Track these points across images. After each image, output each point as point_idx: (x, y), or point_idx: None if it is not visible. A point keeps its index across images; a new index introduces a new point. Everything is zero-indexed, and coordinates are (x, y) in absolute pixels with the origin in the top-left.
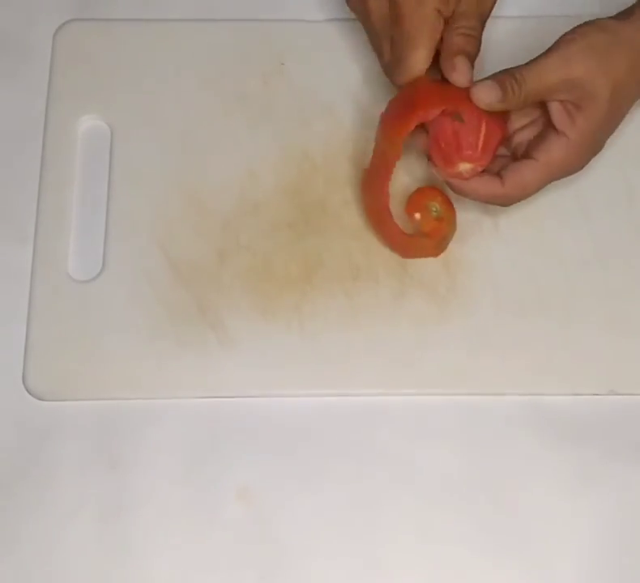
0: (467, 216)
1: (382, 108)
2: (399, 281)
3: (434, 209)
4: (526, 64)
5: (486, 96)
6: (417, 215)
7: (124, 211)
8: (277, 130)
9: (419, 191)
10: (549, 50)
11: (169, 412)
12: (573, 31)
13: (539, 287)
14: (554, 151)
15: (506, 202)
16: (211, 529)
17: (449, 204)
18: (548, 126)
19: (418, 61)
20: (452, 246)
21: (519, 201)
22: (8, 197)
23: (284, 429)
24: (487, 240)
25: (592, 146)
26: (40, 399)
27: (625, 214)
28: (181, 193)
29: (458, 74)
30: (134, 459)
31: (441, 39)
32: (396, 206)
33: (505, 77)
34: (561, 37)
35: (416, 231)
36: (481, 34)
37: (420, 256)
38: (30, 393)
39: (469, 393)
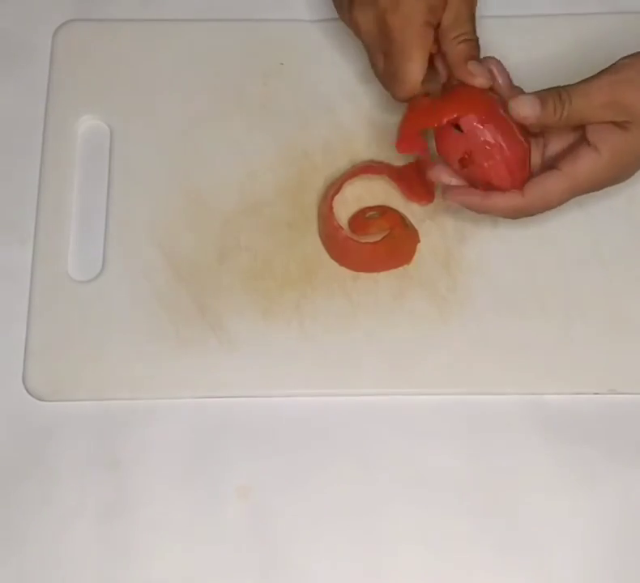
0: (466, 216)
1: (382, 107)
2: (399, 281)
3: (370, 215)
4: (575, 83)
5: (524, 110)
6: (365, 229)
7: (124, 211)
8: (277, 130)
9: (351, 218)
10: (602, 72)
11: (169, 412)
12: (634, 55)
13: (539, 286)
14: (580, 163)
15: (527, 213)
16: (212, 529)
17: (378, 207)
18: (581, 139)
19: (413, 72)
20: (452, 246)
21: (541, 212)
22: (8, 197)
23: (284, 429)
24: (487, 239)
25: (622, 167)
26: (40, 399)
27: (625, 214)
28: (181, 193)
29: (480, 77)
30: (134, 459)
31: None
32: None
33: (548, 94)
34: (618, 60)
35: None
36: (476, 35)
37: (408, 249)
38: (30, 394)
39: (469, 392)
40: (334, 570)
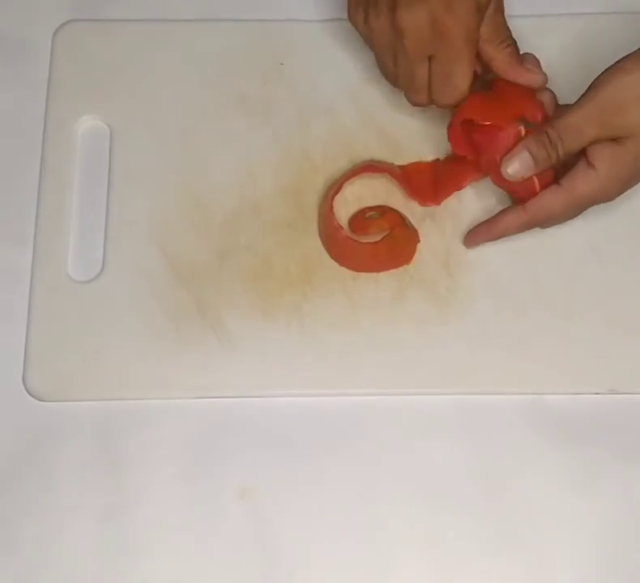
0: (466, 216)
1: (382, 107)
2: (399, 281)
3: (370, 215)
4: (561, 117)
5: (520, 172)
6: (365, 229)
7: (123, 211)
8: (277, 131)
9: (351, 218)
10: (583, 97)
11: (169, 412)
12: (608, 70)
13: (539, 286)
14: (578, 179)
15: (534, 225)
16: (212, 529)
17: (378, 207)
18: (582, 153)
19: (468, 77)
20: (452, 246)
21: (550, 226)
22: (8, 198)
23: (284, 429)
24: None
25: (620, 181)
26: (40, 400)
27: (625, 214)
28: (181, 193)
29: (539, 74)
30: (134, 459)
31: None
32: None
33: (538, 141)
34: (595, 79)
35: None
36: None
37: (408, 249)
38: (30, 394)
39: (469, 392)
40: (334, 570)
